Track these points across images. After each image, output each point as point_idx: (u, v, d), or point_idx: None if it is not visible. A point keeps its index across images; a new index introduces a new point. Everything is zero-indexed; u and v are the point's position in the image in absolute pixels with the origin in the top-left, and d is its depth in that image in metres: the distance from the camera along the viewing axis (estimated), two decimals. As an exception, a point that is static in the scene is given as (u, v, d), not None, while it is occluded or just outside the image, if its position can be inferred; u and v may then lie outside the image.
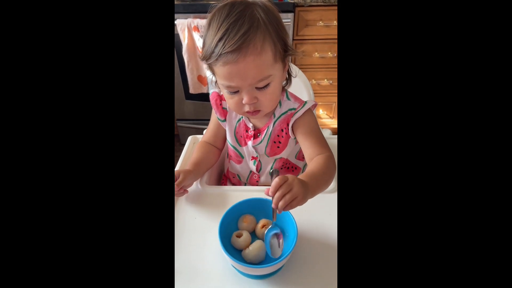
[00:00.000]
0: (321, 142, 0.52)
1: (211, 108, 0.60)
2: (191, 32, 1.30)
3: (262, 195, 0.51)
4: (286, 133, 0.55)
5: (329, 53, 1.40)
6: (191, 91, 1.46)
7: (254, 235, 0.43)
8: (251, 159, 0.59)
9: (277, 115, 0.55)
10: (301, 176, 0.42)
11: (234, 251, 0.41)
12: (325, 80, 1.47)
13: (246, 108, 0.48)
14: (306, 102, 0.55)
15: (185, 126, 1.62)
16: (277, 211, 0.37)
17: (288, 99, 0.56)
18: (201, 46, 0.48)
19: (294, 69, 0.59)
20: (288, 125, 0.54)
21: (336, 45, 1.38)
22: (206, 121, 1.57)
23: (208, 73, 1.55)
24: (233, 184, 0.65)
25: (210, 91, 0.63)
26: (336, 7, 1.28)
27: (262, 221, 0.43)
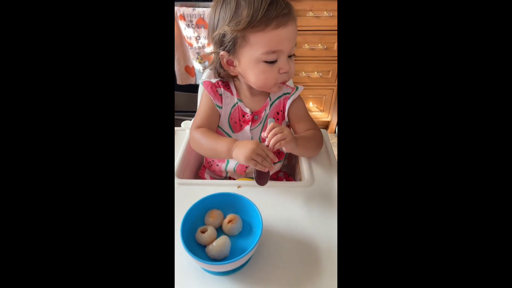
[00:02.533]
0: (312, 123, 0.58)
1: (196, 100, 0.60)
2: (177, 21, 1.26)
3: (235, 190, 0.51)
4: (281, 116, 0.58)
5: (319, 44, 1.37)
6: (179, 82, 1.44)
7: (221, 231, 0.42)
8: None
9: (272, 98, 0.57)
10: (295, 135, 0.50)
11: (198, 247, 0.40)
12: (315, 72, 1.45)
13: (282, 78, 0.50)
14: (297, 87, 0.59)
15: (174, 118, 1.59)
16: (269, 148, 0.45)
17: None
18: (230, 17, 0.46)
19: None
20: (284, 107, 0.58)
21: (326, 37, 1.35)
22: (193, 112, 1.55)
23: (196, 65, 1.52)
24: (213, 172, 0.64)
25: (200, 82, 0.63)
26: (326, -3, 1.25)
27: (229, 216, 0.42)
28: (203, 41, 1.29)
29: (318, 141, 0.56)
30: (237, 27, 0.44)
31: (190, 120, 0.72)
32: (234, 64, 0.51)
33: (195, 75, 1.42)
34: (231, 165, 0.60)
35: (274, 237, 0.43)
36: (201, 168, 0.67)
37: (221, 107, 0.57)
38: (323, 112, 1.60)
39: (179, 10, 1.23)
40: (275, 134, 0.45)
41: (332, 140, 1.64)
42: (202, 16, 1.23)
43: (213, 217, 0.42)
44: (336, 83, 1.49)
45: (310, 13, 1.29)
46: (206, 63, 1.37)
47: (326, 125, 1.75)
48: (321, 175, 0.55)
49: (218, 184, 0.54)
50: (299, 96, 0.58)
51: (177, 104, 1.55)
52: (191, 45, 1.31)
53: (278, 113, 0.58)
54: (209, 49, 1.32)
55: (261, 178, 0.47)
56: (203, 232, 0.40)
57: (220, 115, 0.58)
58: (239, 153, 0.46)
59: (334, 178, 0.54)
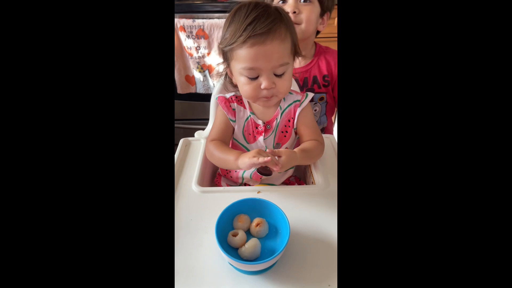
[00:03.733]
0: (317, 130, 0.62)
1: (198, 108, 0.65)
2: (177, 32, 1.29)
3: (255, 195, 0.54)
4: (292, 123, 0.62)
5: (315, 52, 1.43)
6: (179, 91, 1.46)
7: (249, 234, 0.45)
8: None
9: (283, 107, 0.61)
10: (296, 148, 0.54)
11: (231, 250, 0.43)
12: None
13: (264, 93, 0.53)
14: (307, 94, 0.62)
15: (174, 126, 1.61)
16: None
17: (291, 93, 0.62)
18: (221, 36, 0.54)
19: None
20: (294, 114, 0.61)
21: (335, 43, 1.41)
22: (194, 120, 1.57)
23: (197, 74, 1.55)
24: (230, 179, 0.67)
25: (213, 97, 0.69)
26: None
27: (256, 220, 0.45)
28: (203, 51, 1.33)
29: (318, 153, 0.59)
30: (223, 43, 0.52)
31: (203, 130, 0.75)
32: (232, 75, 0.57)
33: (195, 83, 1.45)
34: (248, 172, 0.63)
35: (297, 237, 0.47)
36: (216, 176, 0.70)
37: (234, 121, 0.61)
38: (320, 116, 1.65)
39: (179, 21, 1.26)
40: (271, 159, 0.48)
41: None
42: (201, 27, 1.27)
43: (242, 221, 0.45)
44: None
45: (306, 22, 1.34)
46: (206, 72, 1.40)
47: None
48: (333, 179, 0.59)
49: (238, 191, 0.57)
50: (308, 103, 0.62)
51: (177, 112, 1.58)
52: (191, 55, 1.34)
53: (289, 120, 0.62)
54: (209, 59, 1.35)
55: (264, 169, 0.51)
56: (234, 235, 0.43)
57: (234, 128, 0.62)
58: (243, 160, 0.50)
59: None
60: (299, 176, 0.73)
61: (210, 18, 1.27)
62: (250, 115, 0.61)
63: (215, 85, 0.73)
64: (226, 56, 0.54)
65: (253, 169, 0.63)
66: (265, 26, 0.47)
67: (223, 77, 0.63)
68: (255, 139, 0.62)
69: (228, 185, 0.68)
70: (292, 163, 0.51)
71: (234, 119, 0.61)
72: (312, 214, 0.51)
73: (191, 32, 1.28)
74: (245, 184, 0.66)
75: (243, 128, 0.62)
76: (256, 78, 0.51)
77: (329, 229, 0.48)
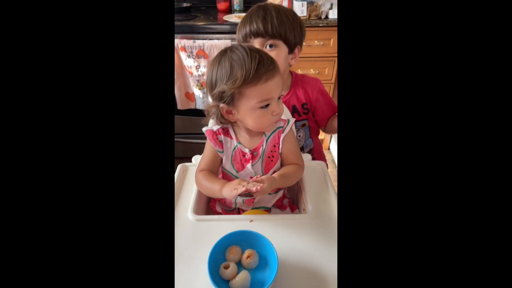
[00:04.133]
0: (298, 154, 0.67)
1: (198, 123, 0.70)
2: (178, 52, 1.34)
3: (247, 223, 0.57)
4: (278, 148, 0.66)
5: (312, 70, 1.46)
6: (179, 107, 1.50)
7: (240, 265, 0.48)
8: (250, 179, 0.65)
9: (267, 134, 0.66)
10: (276, 173, 0.61)
11: (223, 282, 0.45)
12: (309, 95, 1.54)
13: (275, 118, 0.60)
14: (288, 120, 0.66)
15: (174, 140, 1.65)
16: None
17: None
18: (213, 80, 0.58)
19: None
20: (279, 140, 0.66)
21: (317, 63, 1.45)
22: (193, 135, 1.60)
23: (196, 91, 1.59)
24: (224, 204, 0.70)
25: (197, 105, 0.70)
26: (317, 28, 1.35)
27: (247, 252, 0.48)
28: (203, 69, 1.37)
29: (297, 176, 0.66)
30: (234, 85, 0.54)
31: (203, 143, 0.78)
32: (233, 113, 0.60)
33: (195, 100, 1.49)
34: (240, 199, 0.66)
35: (286, 268, 0.49)
36: (211, 200, 0.72)
37: (222, 152, 0.66)
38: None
39: (180, 42, 1.30)
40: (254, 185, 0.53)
41: (327, 156, 1.71)
42: (202, 47, 1.31)
43: (233, 253, 0.48)
44: (328, 105, 1.59)
45: (316, 42, 1.38)
46: (206, 89, 1.44)
47: (320, 143, 1.83)
48: (324, 207, 0.61)
49: (231, 219, 0.60)
50: (290, 129, 0.67)
51: (177, 127, 1.61)
52: (191, 73, 1.38)
53: (274, 146, 0.66)
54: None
55: (247, 194, 0.54)
56: (226, 268, 0.46)
57: (222, 159, 0.67)
58: (226, 192, 0.56)
59: (335, 209, 0.61)
60: (292, 199, 0.76)
61: (210, 39, 1.31)
62: (237, 145, 0.65)
63: (210, 121, 0.77)
64: (232, 98, 0.57)
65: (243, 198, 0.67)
66: (271, 63, 0.55)
67: (215, 118, 0.64)
68: (243, 166, 0.65)
69: (222, 209, 0.71)
70: (273, 187, 0.58)
71: (221, 150, 0.66)
72: (302, 244, 0.53)
73: (191, 52, 1.32)
74: (239, 209, 0.69)
75: (231, 157, 0.66)
76: (267, 106, 0.57)
77: (318, 259, 0.50)
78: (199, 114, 1.56)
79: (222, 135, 0.65)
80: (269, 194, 0.69)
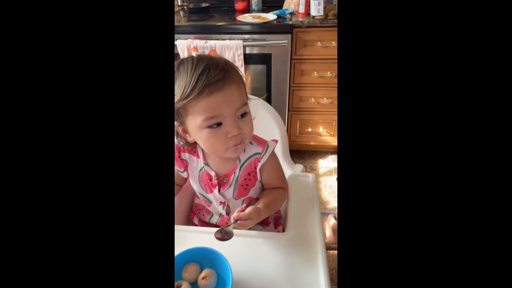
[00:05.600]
0: (282, 178, 0.60)
1: None
2: (190, 52, 1.34)
3: (213, 239, 0.53)
4: (253, 177, 0.58)
5: (328, 72, 1.38)
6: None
7: (196, 285, 0.45)
8: (220, 204, 0.60)
9: (242, 160, 0.57)
10: (260, 203, 0.54)
11: (172, 302, 0.43)
12: (325, 98, 1.46)
13: (232, 142, 0.49)
14: (268, 145, 0.57)
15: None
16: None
17: (251, 143, 0.57)
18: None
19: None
20: (255, 168, 0.57)
21: (335, 65, 1.36)
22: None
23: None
24: (201, 217, 0.67)
25: None
26: (334, 29, 1.27)
27: (204, 272, 0.45)
28: (214, 70, 1.36)
29: (282, 202, 0.59)
30: (175, 99, 0.47)
31: None
32: (188, 132, 0.52)
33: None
34: (214, 218, 0.63)
35: (239, 285, 0.45)
36: (192, 211, 0.70)
37: (183, 171, 0.59)
38: (333, 136, 1.59)
39: (192, 42, 1.30)
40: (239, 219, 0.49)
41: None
42: (213, 48, 1.29)
43: (189, 272, 0.45)
44: (346, 109, 1.49)
45: (319, 43, 1.31)
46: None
47: (335, 149, 1.73)
48: (306, 226, 0.56)
49: (207, 232, 0.56)
50: (271, 153, 0.57)
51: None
52: (203, 74, 1.38)
53: (249, 174, 0.57)
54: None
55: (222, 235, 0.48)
56: (177, 287, 0.43)
57: (183, 179, 0.61)
58: None
59: (317, 225, 0.55)
60: (281, 214, 0.71)
61: (222, 39, 1.29)
62: (203, 166, 0.57)
63: None
64: (179, 114, 0.49)
65: (219, 217, 0.63)
66: (218, 72, 0.45)
67: (176, 137, 0.55)
68: (211, 190, 0.59)
69: (200, 222, 0.67)
70: (259, 220, 0.52)
71: (181, 170, 0.59)
72: (272, 265, 0.49)
73: (203, 52, 1.31)
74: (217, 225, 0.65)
75: (198, 178, 0.59)
76: (219, 125, 0.48)
77: (284, 284, 0.46)
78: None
79: (187, 153, 0.58)
80: None
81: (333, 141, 1.60)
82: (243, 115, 0.49)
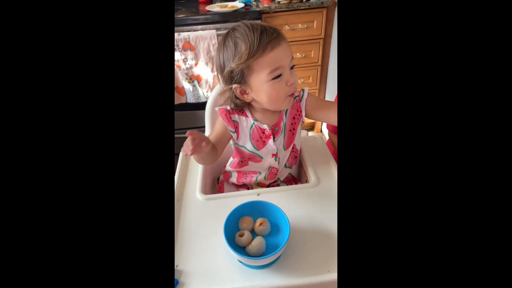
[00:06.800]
0: (332, 104, 0.65)
1: (191, 117, 0.66)
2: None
3: (255, 198, 0.59)
4: (298, 116, 0.66)
5: (298, 54, 1.48)
6: (170, 102, 1.50)
7: (253, 233, 0.51)
8: (272, 156, 0.66)
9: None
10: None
11: (239, 248, 0.48)
12: (297, 79, 1.56)
13: (291, 90, 0.57)
14: (303, 89, 0.67)
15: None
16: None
17: None
18: (222, 61, 0.57)
19: None
20: (299, 110, 0.65)
21: (303, 46, 1.47)
22: (186, 130, 1.60)
23: (186, 84, 1.58)
24: (245, 180, 0.71)
25: (188, 99, 0.69)
26: (299, 12, 1.37)
27: (259, 220, 0.51)
28: (191, 62, 1.37)
29: None
30: (240, 60, 0.54)
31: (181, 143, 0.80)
32: (247, 92, 0.59)
33: (185, 94, 1.49)
34: (261, 177, 0.68)
35: (296, 232, 0.52)
36: (219, 184, 0.74)
37: (234, 132, 0.65)
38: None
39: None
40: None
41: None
42: (187, 39, 1.31)
43: (246, 222, 0.50)
44: (317, 87, 1.62)
45: (286, 26, 1.40)
46: (195, 82, 1.44)
47: (311, 126, 1.86)
48: (325, 176, 0.64)
49: (239, 195, 0.62)
50: (308, 92, 0.67)
51: (170, 123, 1.61)
52: (179, 67, 1.38)
53: (294, 118, 0.66)
54: (197, 69, 1.40)
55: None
56: (241, 236, 0.48)
57: (230, 138, 0.66)
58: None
59: (335, 176, 0.64)
60: (296, 176, 0.78)
61: (194, 31, 1.31)
62: (254, 123, 0.64)
63: (209, 95, 0.77)
64: (242, 75, 0.56)
65: (266, 172, 0.69)
66: (274, 32, 0.54)
67: (230, 101, 0.62)
68: (264, 144, 0.65)
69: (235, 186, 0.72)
70: None
71: (233, 130, 0.65)
72: (307, 210, 0.56)
73: (177, 45, 1.32)
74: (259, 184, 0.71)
75: (250, 136, 0.65)
76: (279, 77, 0.55)
77: (323, 221, 0.54)
78: (191, 108, 1.57)
79: (236, 114, 0.64)
80: (290, 168, 0.71)
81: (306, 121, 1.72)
82: (292, 67, 0.58)
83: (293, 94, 0.58)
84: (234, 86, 0.58)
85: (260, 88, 0.56)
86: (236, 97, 0.60)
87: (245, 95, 0.60)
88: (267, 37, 0.53)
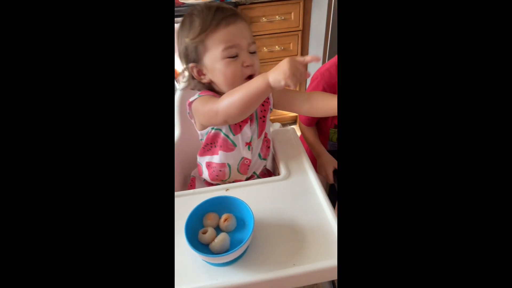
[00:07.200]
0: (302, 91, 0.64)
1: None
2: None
3: (223, 193, 0.57)
4: (267, 106, 0.64)
5: (276, 46, 1.47)
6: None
7: (219, 229, 0.49)
8: (245, 145, 0.64)
9: None
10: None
11: (203, 246, 0.46)
12: (277, 72, 1.54)
13: (247, 71, 0.55)
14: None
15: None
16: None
17: None
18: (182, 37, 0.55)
19: None
20: (268, 98, 0.64)
21: (282, 39, 1.45)
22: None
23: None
24: (216, 179, 0.68)
25: (179, 87, 0.70)
26: (276, 3, 1.35)
27: (224, 216, 0.49)
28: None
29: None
30: (194, 35, 0.53)
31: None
32: (204, 72, 0.57)
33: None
34: (234, 169, 0.65)
35: (263, 226, 0.51)
36: (190, 181, 0.72)
37: None
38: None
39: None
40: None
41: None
42: (161, 33, 1.27)
43: (210, 219, 0.49)
44: (297, 80, 1.61)
45: (264, 18, 1.38)
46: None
47: (294, 120, 1.86)
48: (296, 168, 0.63)
49: (207, 191, 0.60)
50: None
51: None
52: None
53: (263, 105, 0.65)
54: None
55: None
56: (204, 233, 0.47)
57: None
58: (277, 75, 0.45)
59: (308, 170, 0.63)
60: (270, 168, 0.77)
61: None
62: None
63: (177, 91, 0.75)
64: (196, 53, 0.54)
65: (238, 164, 0.66)
66: (230, 9, 0.53)
67: (187, 82, 0.61)
68: (240, 128, 0.62)
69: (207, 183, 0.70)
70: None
71: None
72: (275, 203, 0.55)
73: (151, 39, 1.28)
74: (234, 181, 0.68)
75: None
76: (235, 57, 0.54)
77: (291, 215, 0.53)
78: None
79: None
80: (265, 160, 0.69)
81: (289, 113, 1.71)
82: (253, 53, 0.56)
83: (251, 76, 0.56)
84: (190, 65, 0.56)
85: (215, 66, 0.55)
86: (193, 78, 0.59)
87: (202, 76, 0.58)
88: (222, 13, 0.53)
